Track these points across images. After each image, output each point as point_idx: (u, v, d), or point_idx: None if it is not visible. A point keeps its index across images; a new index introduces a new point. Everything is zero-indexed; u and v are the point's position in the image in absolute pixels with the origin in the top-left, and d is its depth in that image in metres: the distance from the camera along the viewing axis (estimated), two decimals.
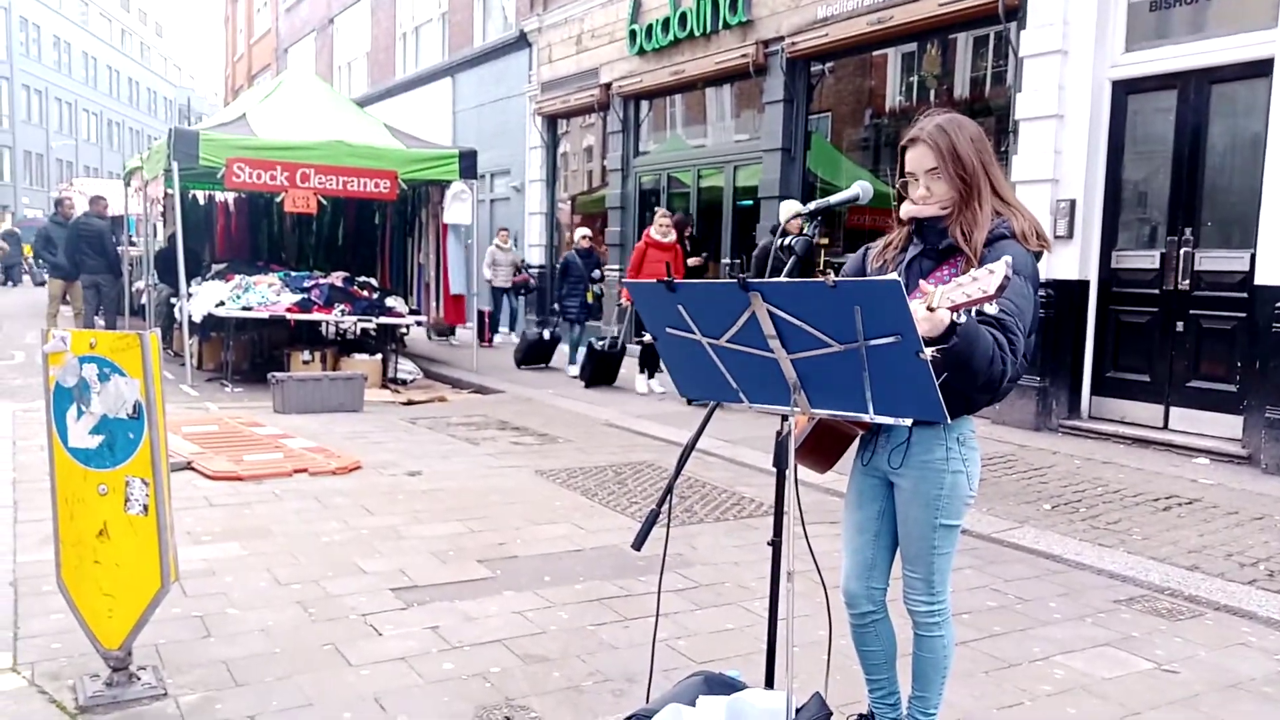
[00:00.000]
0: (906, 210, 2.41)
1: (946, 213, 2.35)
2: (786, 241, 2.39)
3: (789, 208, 7.40)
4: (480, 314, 14.33)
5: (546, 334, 12.03)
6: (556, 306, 11.46)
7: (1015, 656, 3.53)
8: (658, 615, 2.67)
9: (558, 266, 11.74)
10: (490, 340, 14.41)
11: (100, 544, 2.92)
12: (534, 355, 11.86)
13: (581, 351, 10.77)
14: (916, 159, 2.36)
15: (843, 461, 2.56)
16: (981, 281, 2.00)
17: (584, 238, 11.60)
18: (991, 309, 2.10)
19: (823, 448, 2.46)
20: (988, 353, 2.13)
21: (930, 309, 2.01)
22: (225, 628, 3.55)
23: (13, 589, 3.83)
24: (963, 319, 2.06)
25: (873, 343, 1.91)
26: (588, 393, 9.95)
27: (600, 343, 10.47)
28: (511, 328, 15.06)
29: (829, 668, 2.68)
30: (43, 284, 25.50)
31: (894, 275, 2.04)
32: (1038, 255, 2.35)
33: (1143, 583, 4.35)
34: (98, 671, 3.03)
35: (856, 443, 2.52)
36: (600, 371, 10.33)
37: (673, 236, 9.69)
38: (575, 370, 10.90)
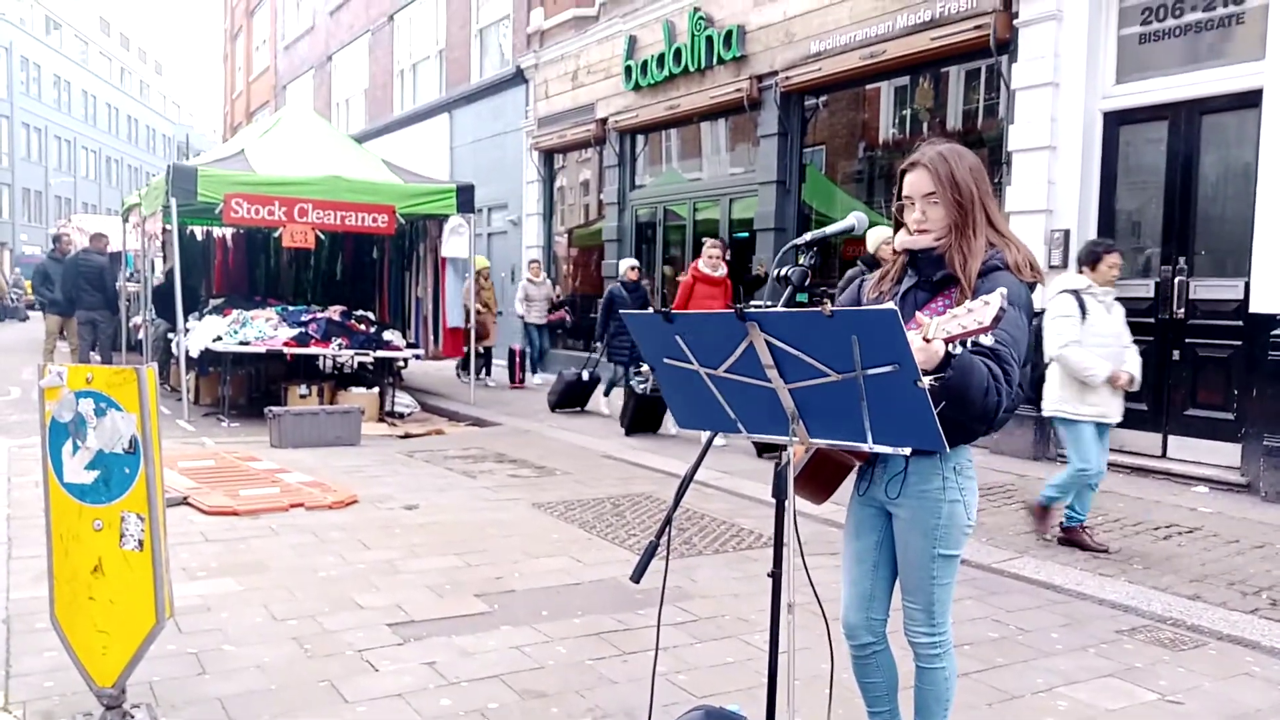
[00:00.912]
0: (900, 242, 2.42)
1: (940, 244, 2.36)
2: (784, 272, 2.39)
3: (876, 235, 6.66)
4: (512, 352, 13.66)
5: (585, 375, 10.90)
6: (599, 345, 10.49)
7: (1018, 688, 3.50)
8: (657, 649, 2.65)
9: (599, 301, 10.69)
10: (522, 381, 13.53)
11: (95, 580, 2.89)
12: (571, 398, 10.86)
13: (616, 391, 9.99)
14: (915, 183, 2.38)
15: (841, 492, 2.55)
16: (977, 313, 2.00)
17: (632, 269, 10.41)
18: (987, 340, 2.11)
19: (820, 478, 2.45)
20: (983, 384, 2.14)
21: (926, 340, 2.01)
22: (221, 664, 3.51)
23: (5, 626, 3.79)
24: (958, 350, 2.07)
25: (870, 372, 1.91)
26: (585, 424, 9.91)
27: (643, 385, 9.33)
28: (538, 368, 13.91)
29: (831, 700, 2.65)
30: (25, 319, 25.45)
31: (890, 304, 2.05)
32: (1031, 287, 2.36)
33: (1145, 613, 4.33)
34: (91, 710, 2.99)
35: (854, 473, 2.51)
36: (643, 417, 9.28)
37: (724, 270, 8.85)
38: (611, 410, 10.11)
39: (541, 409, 11.05)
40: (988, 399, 2.15)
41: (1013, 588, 4.73)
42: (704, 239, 9.74)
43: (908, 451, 2.19)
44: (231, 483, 6.56)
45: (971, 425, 2.25)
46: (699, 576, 4.77)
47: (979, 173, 2.40)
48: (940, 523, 2.35)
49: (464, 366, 13.58)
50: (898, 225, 2.46)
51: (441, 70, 18.79)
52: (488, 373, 13.70)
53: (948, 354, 2.05)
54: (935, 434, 1.94)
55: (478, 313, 12.97)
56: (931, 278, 2.38)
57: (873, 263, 7.24)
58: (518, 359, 13.61)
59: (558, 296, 14.24)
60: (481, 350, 13.45)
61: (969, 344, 2.10)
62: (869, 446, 2.04)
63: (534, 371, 13.76)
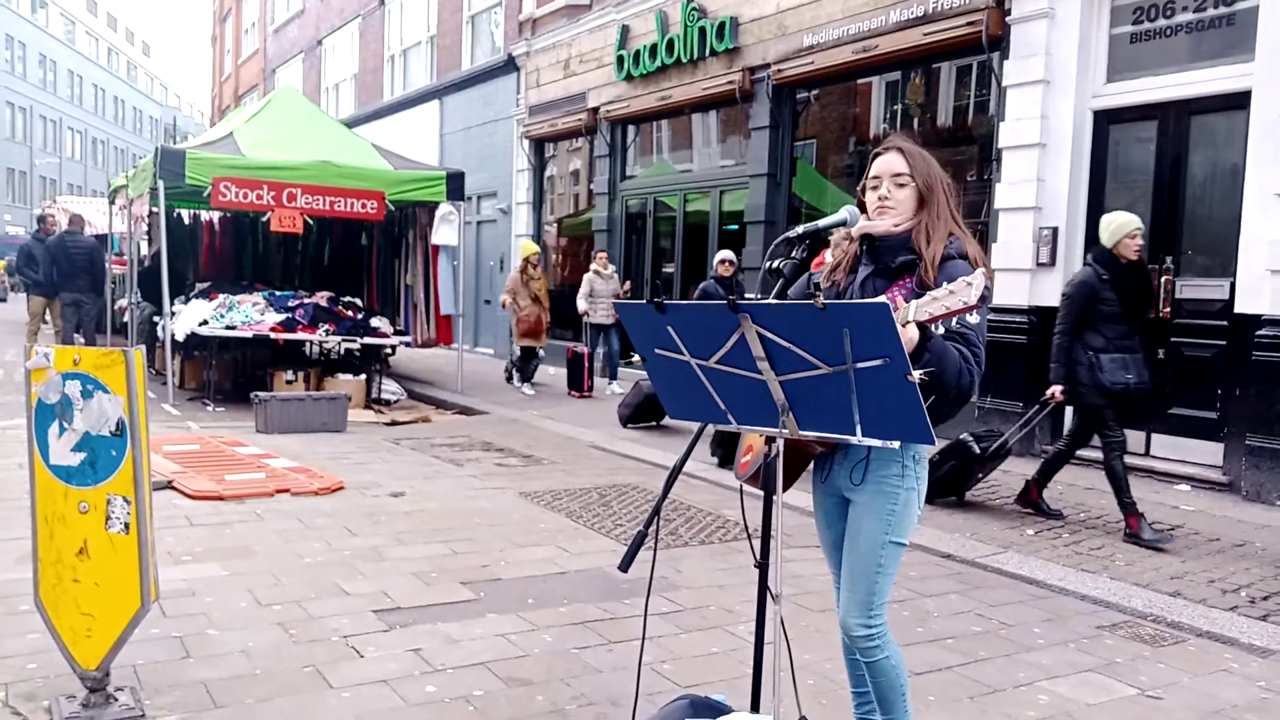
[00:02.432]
0: (860, 227, 2.46)
1: (901, 230, 2.41)
2: (776, 265, 2.43)
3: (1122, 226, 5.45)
4: (579, 356, 11.55)
5: None
6: None
7: (999, 682, 3.53)
8: (643, 638, 2.66)
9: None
10: (589, 389, 11.46)
11: (80, 562, 2.88)
12: (648, 412, 9.14)
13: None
14: (886, 163, 2.44)
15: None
16: (960, 294, 2.03)
17: (725, 263, 9.05)
18: (973, 318, 2.14)
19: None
20: (956, 365, 2.21)
21: (903, 324, 2.04)
22: (205, 649, 3.51)
23: None
24: (940, 330, 2.11)
25: (861, 365, 1.92)
26: (573, 413, 9.89)
27: None
28: (613, 375, 12.00)
29: (796, 687, 2.67)
30: (3, 300, 25.22)
31: (883, 299, 2.06)
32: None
33: (1126, 609, 4.37)
34: (74, 693, 2.98)
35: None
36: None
37: None
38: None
39: (535, 409, 11.02)
40: (961, 380, 2.22)
41: (996, 582, 4.76)
42: (832, 232, 8.27)
43: (897, 444, 2.21)
44: (217, 467, 6.54)
45: (948, 408, 2.28)
46: (685, 567, 4.79)
47: (942, 174, 2.48)
48: (896, 509, 2.36)
49: (517, 369, 12.01)
50: (862, 208, 2.50)
51: (432, 56, 18.69)
52: (525, 378, 11.83)
53: (923, 340, 2.10)
54: (925, 427, 1.95)
55: (521, 306, 11.44)
56: (890, 264, 2.42)
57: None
58: (585, 363, 11.48)
59: (626, 292, 12.17)
60: (539, 351, 11.91)
61: (939, 328, 2.14)
62: (858, 439, 2.06)
63: (612, 379, 11.92)
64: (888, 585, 2.41)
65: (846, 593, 2.43)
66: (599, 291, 11.59)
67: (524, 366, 11.85)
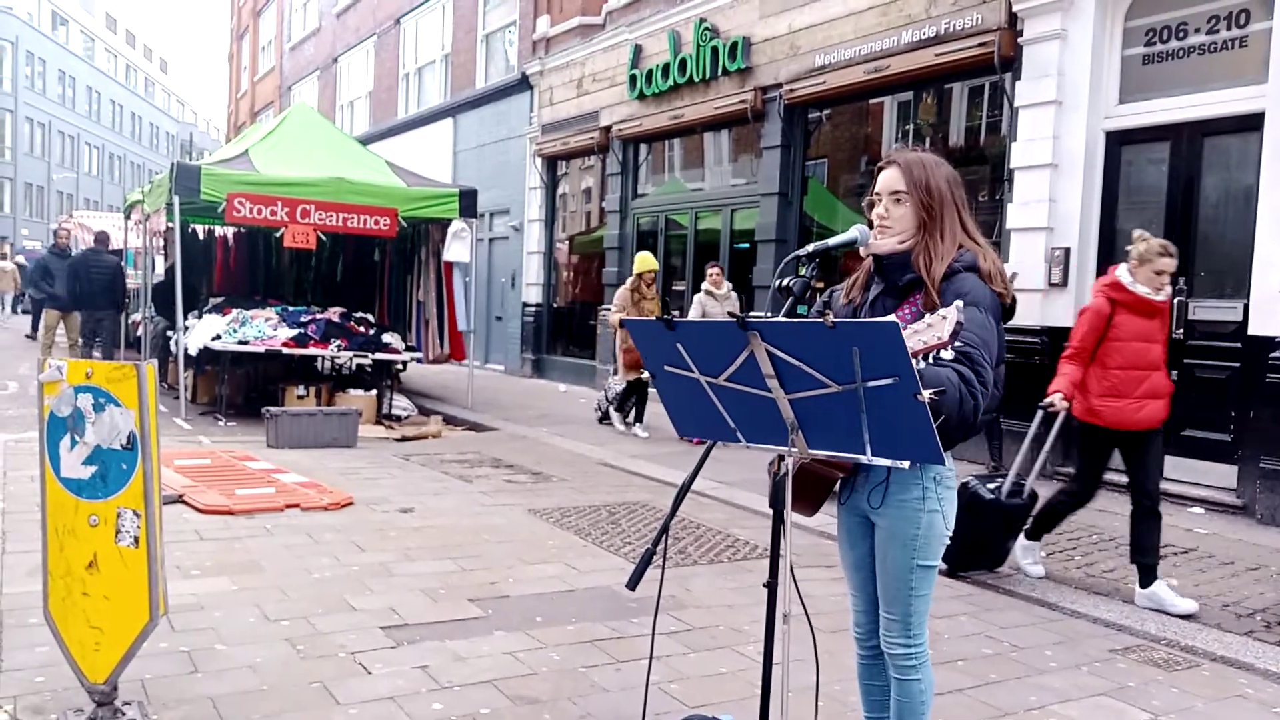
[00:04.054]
0: (868, 246, 2.44)
1: (905, 248, 2.37)
2: (786, 283, 2.43)
3: None
4: None
5: None
6: None
7: (1011, 705, 3.50)
8: (651, 657, 2.65)
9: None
10: None
11: (89, 576, 2.89)
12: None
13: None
14: (886, 180, 2.41)
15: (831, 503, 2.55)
16: (936, 328, 2.01)
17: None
18: (947, 354, 2.12)
19: (805, 491, 2.44)
20: (955, 396, 2.14)
21: None
22: (213, 664, 3.51)
23: None
24: (923, 365, 2.08)
25: (871, 384, 1.92)
26: (585, 432, 9.89)
27: (993, 489, 5.29)
28: None
29: (817, 707, 2.65)
30: (27, 312, 25.48)
31: (892, 317, 2.06)
32: (999, 298, 2.35)
33: (1139, 632, 4.33)
34: (82, 706, 2.98)
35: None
36: (984, 541, 5.02)
37: (1168, 292, 4.80)
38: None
39: (539, 418, 11.02)
40: (964, 406, 2.16)
41: (1007, 604, 4.73)
42: (1138, 236, 4.81)
43: (906, 464, 2.20)
44: (227, 482, 6.55)
45: (952, 434, 2.24)
46: (694, 586, 4.77)
47: (955, 183, 2.41)
48: (919, 533, 2.34)
49: (616, 407, 10.10)
50: (870, 224, 2.48)
51: (446, 75, 18.83)
52: (639, 417, 9.92)
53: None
54: (934, 447, 1.94)
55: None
56: (897, 283, 2.40)
57: None
58: None
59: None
60: (636, 381, 9.74)
61: (934, 356, 2.11)
62: (867, 458, 2.05)
63: None
64: (925, 606, 2.42)
65: (885, 614, 2.43)
66: (712, 313, 9.24)
67: (625, 403, 10.01)
